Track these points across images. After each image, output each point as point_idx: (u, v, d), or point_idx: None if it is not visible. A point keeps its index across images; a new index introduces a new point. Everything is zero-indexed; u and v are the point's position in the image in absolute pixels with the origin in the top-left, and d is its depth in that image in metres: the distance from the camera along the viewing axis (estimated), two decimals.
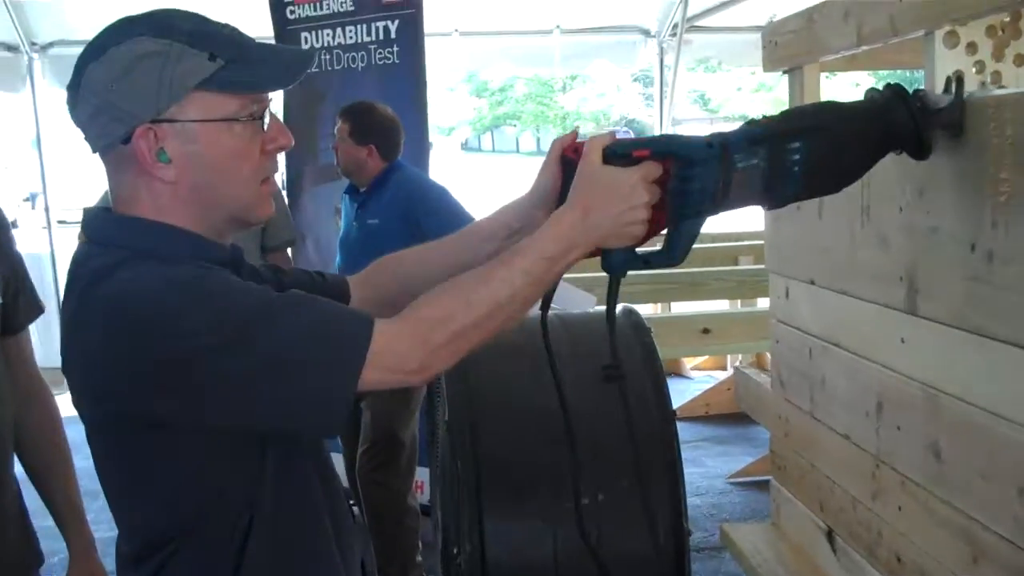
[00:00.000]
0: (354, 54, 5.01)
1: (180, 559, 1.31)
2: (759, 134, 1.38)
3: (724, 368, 7.17)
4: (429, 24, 5.05)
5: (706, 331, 4.42)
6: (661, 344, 3.30)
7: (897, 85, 1.50)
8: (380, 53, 4.94)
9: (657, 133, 7.88)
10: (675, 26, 7.30)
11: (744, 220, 4.18)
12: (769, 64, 2.57)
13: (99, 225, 1.36)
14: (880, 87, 1.53)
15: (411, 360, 1.27)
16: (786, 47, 2.43)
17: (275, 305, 1.25)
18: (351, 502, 4.24)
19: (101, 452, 1.34)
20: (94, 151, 1.33)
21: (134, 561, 1.35)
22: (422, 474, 4.24)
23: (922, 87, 1.65)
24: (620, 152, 1.34)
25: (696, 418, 6.36)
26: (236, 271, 1.37)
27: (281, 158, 1.52)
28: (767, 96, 30.08)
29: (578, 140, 1.46)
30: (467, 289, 1.29)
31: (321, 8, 5.07)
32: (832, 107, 1.50)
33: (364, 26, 4.97)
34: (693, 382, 7.19)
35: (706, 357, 7.13)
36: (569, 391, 2.38)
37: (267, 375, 1.21)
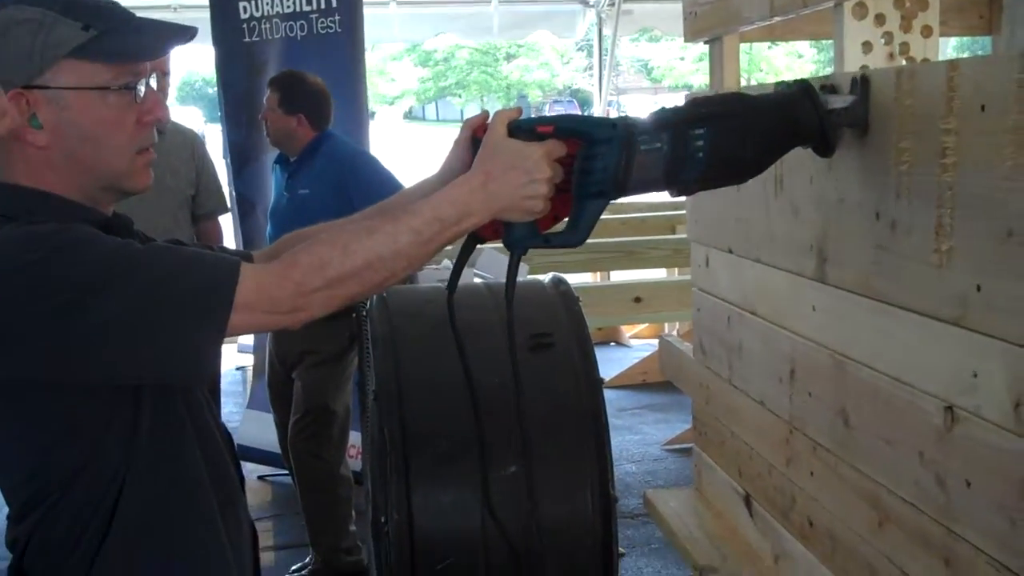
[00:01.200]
0: (292, 23, 4.94)
1: (55, 517, 1.33)
2: (665, 119, 1.41)
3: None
4: None
5: (638, 300, 4.45)
6: (593, 313, 3.31)
7: (805, 82, 1.54)
8: (322, 22, 4.88)
9: (597, 103, 7.92)
10: None
11: None
12: (690, 35, 2.58)
13: None
14: (790, 81, 1.56)
15: (283, 303, 1.29)
16: (705, 18, 2.44)
17: (136, 255, 1.27)
18: (286, 471, 4.24)
19: None
20: None
21: (16, 520, 1.37)
22: (356, 440, 4.24)
23: (831, 82, 1.68)
24: (525, 127, 1.38)
25: (634, 386, 6.43)
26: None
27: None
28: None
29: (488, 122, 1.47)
30: (349, 238, 1.31)
31: None
32: (740, 98, 1.54)
33: None
34: (631, 350, 7.25)
35: (645, 325, 7.19)
36: (496, 360, 2.40)
37: (129, 323, 1.22)
